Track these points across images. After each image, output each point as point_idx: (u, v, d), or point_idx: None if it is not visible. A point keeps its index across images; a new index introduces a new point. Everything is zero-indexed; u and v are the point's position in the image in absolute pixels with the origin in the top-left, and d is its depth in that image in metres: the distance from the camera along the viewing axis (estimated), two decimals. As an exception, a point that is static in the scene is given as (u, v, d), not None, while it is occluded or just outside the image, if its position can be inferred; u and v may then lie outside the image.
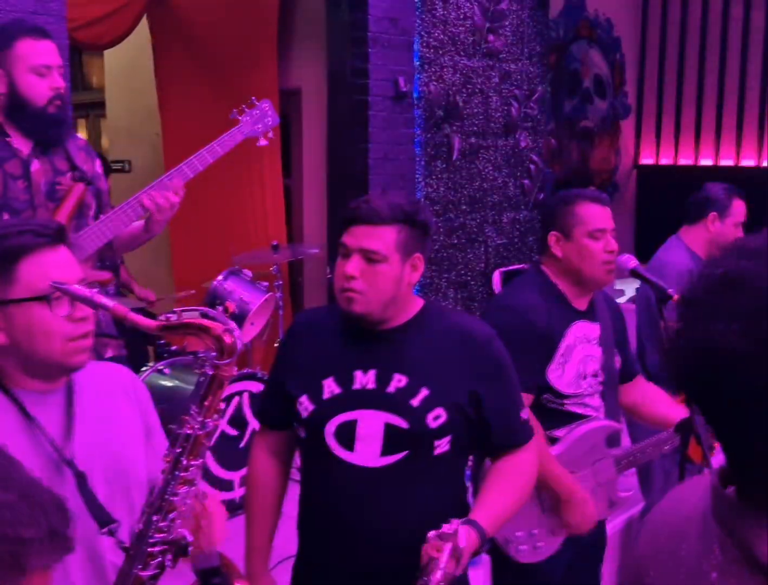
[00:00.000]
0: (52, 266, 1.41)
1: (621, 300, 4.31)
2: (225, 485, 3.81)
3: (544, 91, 5.88)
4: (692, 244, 3.56)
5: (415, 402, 1.78)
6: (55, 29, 3.34)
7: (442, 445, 1.80)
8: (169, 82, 5.63)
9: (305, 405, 1.84)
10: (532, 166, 5.82)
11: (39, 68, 2.49)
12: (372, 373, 1.81)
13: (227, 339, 1.35)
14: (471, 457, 2.20)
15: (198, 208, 5.23)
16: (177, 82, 5.58)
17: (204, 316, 1.37)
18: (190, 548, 1.43)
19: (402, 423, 1.77)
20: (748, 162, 6.67)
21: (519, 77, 5.66)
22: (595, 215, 2.33)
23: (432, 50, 5.07)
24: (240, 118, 2.81)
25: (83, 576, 1.44)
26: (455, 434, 1.81)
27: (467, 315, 2.06)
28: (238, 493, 3.82)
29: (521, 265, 5.54)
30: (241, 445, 3.83)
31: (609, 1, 6.71)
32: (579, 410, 2.35)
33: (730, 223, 3.58)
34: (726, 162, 6.76)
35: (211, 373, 1.37)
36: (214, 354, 1.36)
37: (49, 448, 1.42)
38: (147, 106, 5.87)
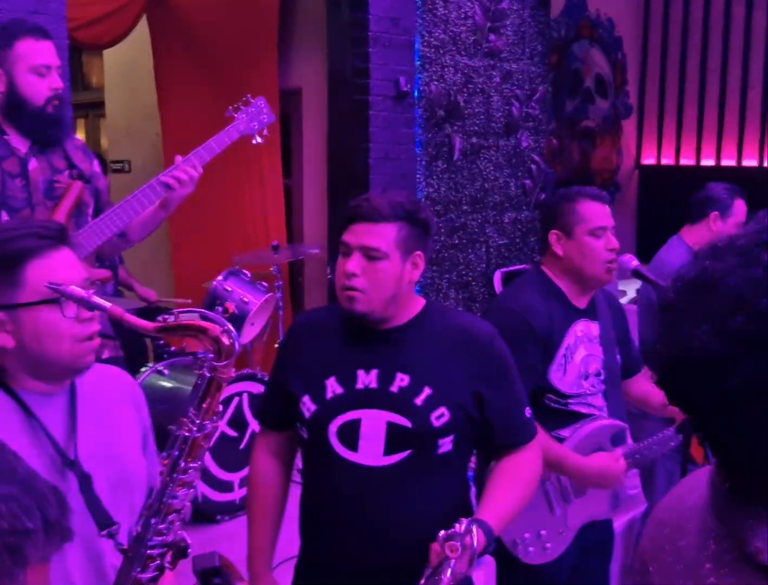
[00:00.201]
0: (57, 268, 1.42)
1: (623, 300, 4.30)
2: (225, 486, 3.80)
3: (545, 90, 5.87)
4: (694, 244, 3.55)
5: (419, 401, 1.78)
6: (55, 29, 3.34)
7: (446, 445, 1.80)
8: (169, 81, 5.62)
9: (308, 405, 1.83)
10: (533, 166, 5.81)
11: (39, 68, 2.50)
12: (374, 373, 1.81)
13: (225, 340, 1.33)
14: (473, 460, 2.19)
15: (198, 208, 5.22)
16: (177, 81, 5.57)
17: (203, 317, 1.36)
18: (189, 549, 1.42)
19: (405, 422, 1.77)
20: (750, 162, 6.66)
21: (520, 77, 5.64)
22: (596, 213, 2.32)
23: (433, 50, 5.06)
24: (236, 115, 2.80)
25: (83, 577, 1.44)
26: (458, 433, 1.81)
27: (469, 314, 2.06)
28: (238, 494, 3.80)
29: (522, 266, 5.55)
30: (241, 446, 3.81)
31: (610, 1, 6.70)
32: (583, 410, 2.34)
33: (731, 222, 3.57)
34: (728, 162, 6.75)
35: (208, 375, 1.36)
36: (211, 356, 1.35)
37: (52, 449, 1.42)
38: (147, 106, 5.86)
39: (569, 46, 6.44)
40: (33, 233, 1.42)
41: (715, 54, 6.71)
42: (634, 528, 3.62)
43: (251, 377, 3.90)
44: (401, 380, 1.79)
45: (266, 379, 3.81)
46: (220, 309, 3.87)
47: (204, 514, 3.69)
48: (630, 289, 5.00)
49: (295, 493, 1.98)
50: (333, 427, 1.80)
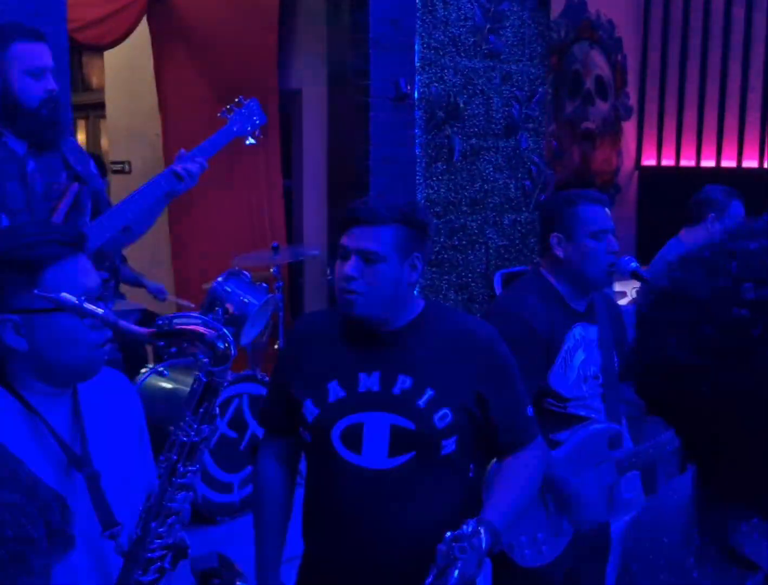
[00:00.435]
0: (75, 274, 1.43)
1: (622, 302, 4.30)
2: (224, 488, 3.80)
3: (545, 92, 5.87)
4: (693, 246, 3.55)
5: (421, 403, 1.78)
6: (55, 30, 3.34)
7: (449, 446, 1.81)
8: (169, 83, 5.62)
9: (310, 409, 1.83)
10: (533, 168, 5.82)
11: (33, 70, 2.50)
12: (376, 375, 1.81)
13: (220, 345, 1.33)
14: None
15: (198, 209, 5.23)
16: (177, 83, 5.57)
17: (199, 322, 1.35)
18: (189, 550, 1.42)
19: (408, 424, 1.78)
20: (750, 163, 6.66)
21: (520, 78, 5.65)
22: (596, 216, 2.33)
23: (433, 51, 5.07)
24: (228, 116, 2.81)
25: (88, 577, 1.45)
26: (461, 434, 1.82)
27: (469, 315, 2.06)
28: (237, 495, 3.81)
29: (522, 267, 5.55)
30: (241, 447, 3.81)
31: (610, 2, 6.70)
32: (582, 413, 2.35)
33: (729, 224, 3.58)
34: (728, 163, 6.75)
35: (205, 379, 1.36)
36: (207, 360, 1.35)
37: (59, 450, 1.43)
38: (147, 107, 5.86)
39: (569, 47, 6.44)
40: (54, 239, 1.43)
41: (715, 55, 6.71)
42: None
43: (251, 378, 3.90)
44: (403, 382, 1.80)
45: (266, 380, 3.81)
46: (220, 310, 3.87)
47: (204, 515, 3.70)
48: (629, 291, 5.00)
49: (297, 494, 1.98)
50: (336, 431, 1.80)
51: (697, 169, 6.84)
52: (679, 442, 0.85)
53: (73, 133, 3.83)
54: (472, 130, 5.35)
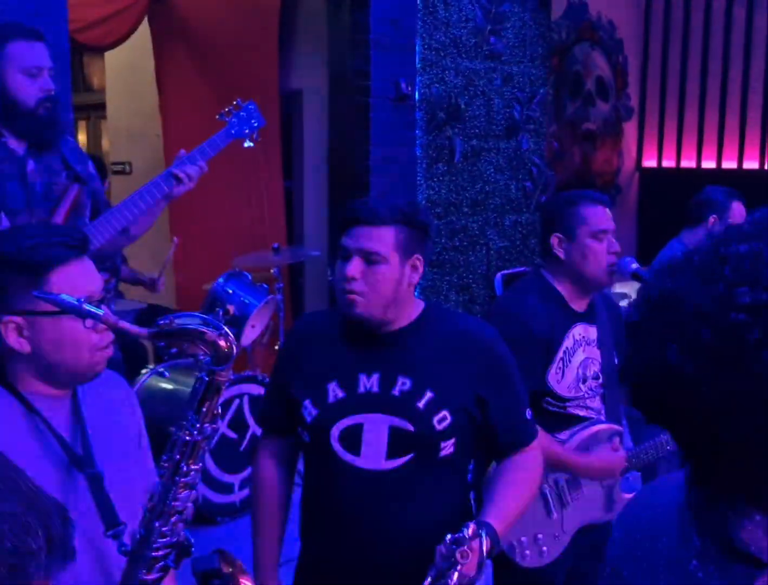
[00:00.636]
0: (80, 277, 1.44)
1: (623, 303, 4.30)
2: (225, 488, 3.80)
3: (546, 93, 5.87)
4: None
5: (421, 405, 1.78)
6: (56, 31, 3.35)
7: (447, 447, 1.80)
8: (170, 83, 5.63)
9: (309, 409, 1.83)
10: (534, 169, 5.82)
11: (30, 70, 2.50)
12: (376, 377, 1.81)
13: (222, 344, 1.33)
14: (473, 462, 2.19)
15: (199, 210, 5.23)
16: (178, 83, 5.58)
17: (200, 322, 1.35)
18: (192, 548, 1.43)
19: (408, 426, 1.77)
20: (751, 164, 6.66)
21: (521, 79, 5.65)
22: (598, 216, 2.33)
23: (434, 52, 5.07)
24: (227, 119, 2.81)
25: (90, 577, 1.45)
26: (460, 436, 1.81)
27: (469, 316, 2.06)
28: (238, 496, 3.81)
29: (523, 268, 5.55)
30: (241, 448, 3.81)
31: (611, 3, 6.70)
32: (581, 413, 2.35)
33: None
34: (729, 164, 6.74)
35: (207, 379, 1.36)
36: (209, 359, 1.35)
37: (60, 451, 1.44)
38: (148, 108, 5.86)
39: (570, 48, 6.44)
40: (60, 242, 1.43)
41: (716, 56, 6.70)
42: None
43: (251, 379, 3.90)
44: (403, 384, 1.79)
45: (267, 381, 3.81)
46: (220, 311, 3.87)
47: (204, 515, 3.69)
48: (630, 291, 4.99)
49: (296, 494, 1.98)
50: (335, 432, 1.80)
51: (698, 170, 6.84)
52: (677, 444, 0.84)
53: (74, 134, 3.83)
54: (473, 131, 5.36)
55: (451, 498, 1.86)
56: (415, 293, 1.93)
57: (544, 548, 2.30)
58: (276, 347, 4.56)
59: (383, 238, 1.77)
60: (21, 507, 0.76)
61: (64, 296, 1.29)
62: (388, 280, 1.78)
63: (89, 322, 1.40)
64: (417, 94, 4.98)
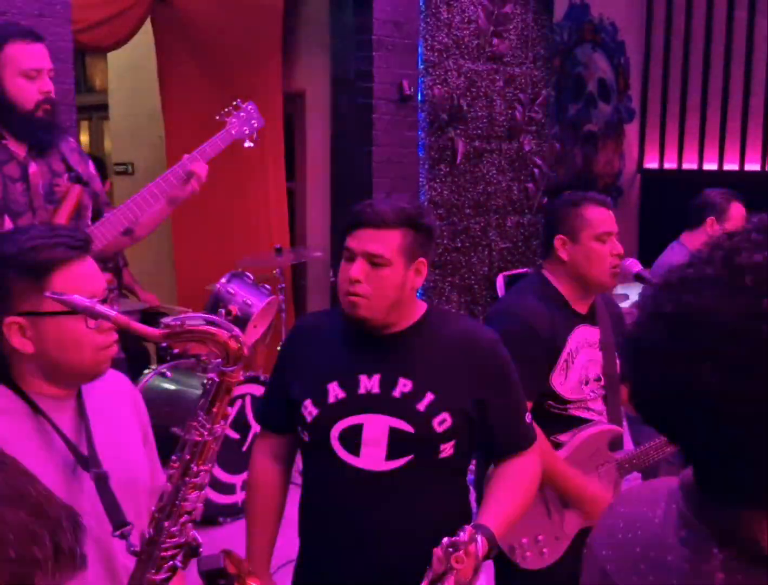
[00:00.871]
0: (82, 277, 1.44)
1: (625, 304, 4.30)
2: (227, 489, 3.80)
3: (548, 94, 5.88)
4: (694, 249, 3.55)
5: (421, 407, 1.78)
6: (59, 32, 3.35)
7: (447, 450, 1.80)
8: (173, 84, 5.62)
9: (309, 409, 1.83)
10: (536, 170, 5.82)
11: (28, 72, 2.49)
12: (377, 378, 1.81)
13: (233, 345, 1.34)
14: (473, 463, 2.19)
15: (201, 211, 5.23)
16: (180, 84, 5.58)
17: (209, 322, 1.36)
18: (200, 548, 1.43)
19: (407, 427, 1.77)
20: (752, 166, 6.66)
21: (523, 81, 5.65)
22: (601, 218, 2.33)
23: (436, 54, 5.07)
24: (227, 120, 2.82)
25: (96, 577, 1.45)
26: (459, 438, 1.81)
27: (470, 319, 2.06)
28: (239, 496, 3.81)
29: (525, 269, 5.55)
30: (243, 448, 3.82)
31: (613, 5, 6.70)
32: (583, 414, 2.35)
33: (729, 227, 3.58)
34: (730, 167, 6.75)
35: (217, 379, 1.37)
36: (219, 360, 1.35)
37: (66, 451, 1.44)
38: (150, 109, 5.86)
39: (572, 50, 6.45)
40: (63, 243, 1.44)
41: (718, 58, 6.71)
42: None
43: (254, 380, 3.90)
44: (404, 385, 1.79)
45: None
46: (222, 311, 3.88)
47: (206, 516, 3.69)
48: (632, 293, 5.00)
49: (295, 495, 1.98)
50: (335, 432, 1.80)
51: (700, 172, 6.84)
52: (685, 454, 0.82)
53: (77, 135, 3.84)
54: (475, 132, 5.36)
55: (450, 499, 1.86)
56: (417, 294, 1.93)
57: (545, 550, 2.30)
58: (278, 348, 4.56)
59: (388, 242, 1.77)
60: (28, 514, 0.74)
61: (77, 296, 1.30)
62: (391, 283, 1.78)
63: (92, 322, 1.41)
64: (419, 95, 4.99)
